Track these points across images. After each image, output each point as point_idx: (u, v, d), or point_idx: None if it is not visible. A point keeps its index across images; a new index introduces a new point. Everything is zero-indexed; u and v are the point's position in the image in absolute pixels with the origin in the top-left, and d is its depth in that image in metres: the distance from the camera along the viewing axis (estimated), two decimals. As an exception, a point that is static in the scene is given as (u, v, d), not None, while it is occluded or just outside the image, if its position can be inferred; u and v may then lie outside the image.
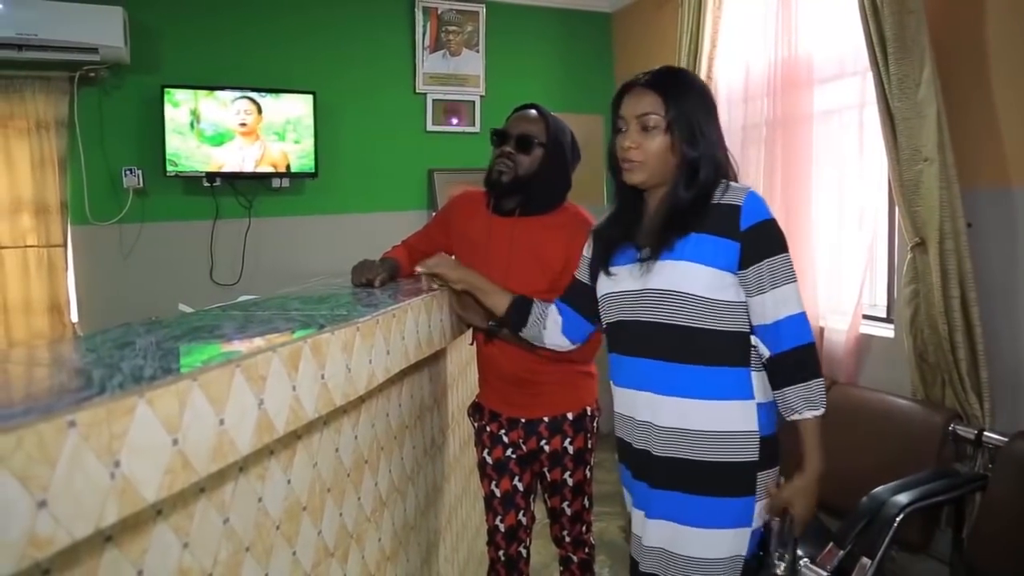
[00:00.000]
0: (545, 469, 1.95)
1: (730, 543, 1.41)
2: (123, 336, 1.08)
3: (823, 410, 1.39)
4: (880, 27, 2.35)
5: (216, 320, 1.27)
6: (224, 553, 0.96)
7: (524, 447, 1.94)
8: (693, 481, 1.42)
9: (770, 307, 1.38)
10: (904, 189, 2.37)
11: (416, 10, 4.02)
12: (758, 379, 1.43)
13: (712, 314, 1.40)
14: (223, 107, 3.53)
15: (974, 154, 2.32)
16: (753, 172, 3.12)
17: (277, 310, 1.39)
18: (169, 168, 3.46)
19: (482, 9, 4.15)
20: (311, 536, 1.21)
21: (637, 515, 1.53)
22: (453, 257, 1.88)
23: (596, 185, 3.89)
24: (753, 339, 1.43)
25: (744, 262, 1.39)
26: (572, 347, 1.71)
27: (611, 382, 1.56)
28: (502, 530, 1.98)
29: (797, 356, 1.38)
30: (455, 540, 2.31)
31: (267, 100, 3.61)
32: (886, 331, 2.72)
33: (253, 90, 3.58)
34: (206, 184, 3.57)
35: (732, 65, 3.36)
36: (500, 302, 1.73)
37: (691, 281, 1.39)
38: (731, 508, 1.41)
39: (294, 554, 1.15)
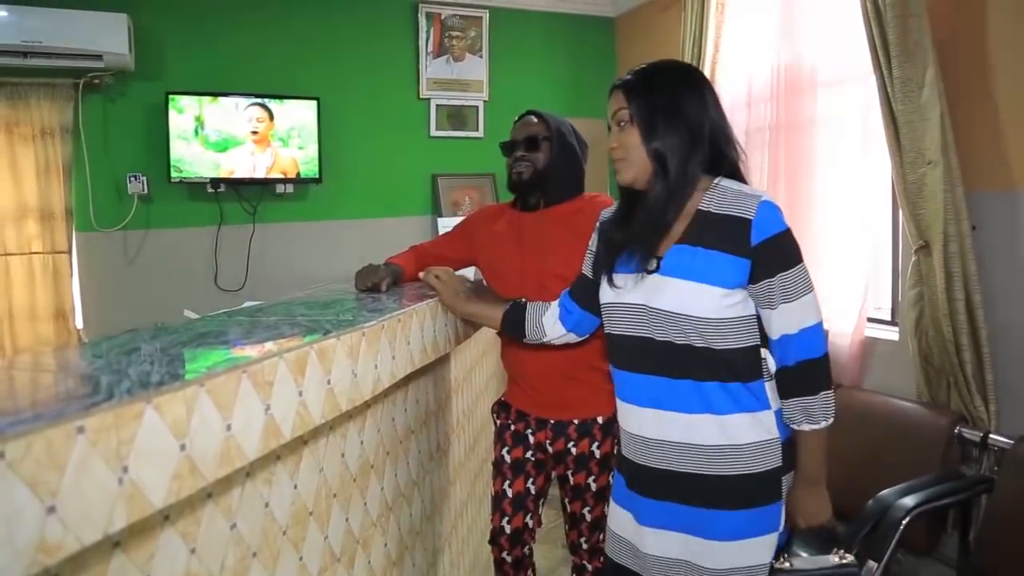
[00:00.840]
0: (569, 472, 1.93)
1: (761, 550, 1.39)
2: (130, 342, 1.08)
3: (825, 424, 1.36)
4: (883, 31, 2.35)
5: (222, 326, 1.27)
6: (231, 559, 0.96)
7: (551, 448, 1.93)
8: (715, 496, 1.38)
9: (777, 322, 1.35)
10: (908, 192, 2.37)
11: (419, 15, 4.03)
12: (771, 388, 1.40)
13: (725, 334, 1.35)
14: (229, 113, 3.55)
15: (978, 156, 2.32)
16: (757, 176, 3.12)
17: (283, 315, 1.39)
18: (173, 174, 3.47)
19: (485, 14, 4.16)
20: (318, 541, 1.22)
21: (629, 522, 1.50)
22: (467, 274, 1.92)
23: (601, 190, 3.89)
24: (763, 350, 1.40)
25: (755, 277, 1.34)
26: (579, 339, 1.71)
27: (617, 398, 1.51)
28: (507, 532, 1.97)
29: (801, 371, 1.35)
30: (461, 545, 2.30)
31: (274, 106, 3.63)
32: (891, 334, 2.71)
33: (261, 96, 3.60)
34: (210, 190, 3.59)
35: (735, 69, 3.37)
36: (494, 317, 1.74)
37: (701, 304, 1.34)
38: (760, 517, 1.39)
39: (301, 559, 1.16)
